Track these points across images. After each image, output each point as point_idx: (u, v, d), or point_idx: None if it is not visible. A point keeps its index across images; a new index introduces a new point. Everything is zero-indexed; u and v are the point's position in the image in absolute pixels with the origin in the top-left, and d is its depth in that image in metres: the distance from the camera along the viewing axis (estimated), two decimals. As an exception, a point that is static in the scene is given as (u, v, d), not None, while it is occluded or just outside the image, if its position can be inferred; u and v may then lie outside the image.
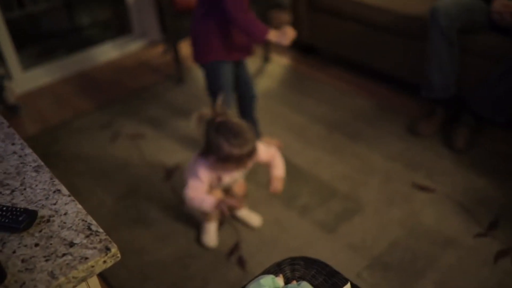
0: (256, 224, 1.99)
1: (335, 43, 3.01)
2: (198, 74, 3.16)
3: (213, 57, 2.06)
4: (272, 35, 1.94)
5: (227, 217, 1.98)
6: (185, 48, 3.47)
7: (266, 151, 1.84)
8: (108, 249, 0.80)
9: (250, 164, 1.73)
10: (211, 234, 1.92)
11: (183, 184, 1.84)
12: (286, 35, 1.95)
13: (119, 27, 3.79)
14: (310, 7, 2.99)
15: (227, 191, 1.96)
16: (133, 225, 2.04)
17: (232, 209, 1.88)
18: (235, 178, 1.84)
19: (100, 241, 0.82)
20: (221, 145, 1.61)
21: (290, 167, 2.28)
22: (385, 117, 2.58)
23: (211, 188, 1.82)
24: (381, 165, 2.25)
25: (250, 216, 2.01)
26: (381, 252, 1.82)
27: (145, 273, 1.82)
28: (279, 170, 1.87)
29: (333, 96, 2.80)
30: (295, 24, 3.14)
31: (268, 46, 3.19)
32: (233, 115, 1.79)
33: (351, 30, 2.83)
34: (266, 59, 3.24)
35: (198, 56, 2.11)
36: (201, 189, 1.74)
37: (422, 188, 2.10)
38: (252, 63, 3.17)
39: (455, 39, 2.21)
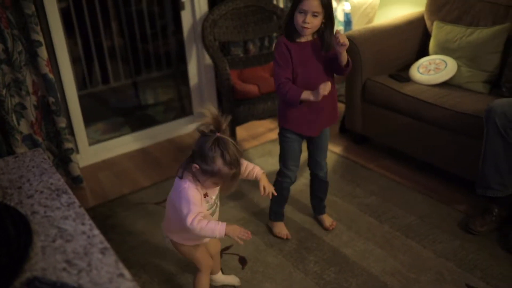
0: (237, 282, 2.14)
1: (387, 135, 3.05)
2: (254, 157, 3.25)
3: (283, 125, 2.25)
4: (306, 94, 2.03)
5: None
6: (242, 132, 3.61)
7: None
8: None
9: (231, 187, 1.70)
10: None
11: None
12: (319, 90, 1.99)
13: (181, 108, 4.01)
14: (363, 99, 3.08)
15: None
16: (180, 305, 2.06)
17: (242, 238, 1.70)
18: (215, 203, 1.82)
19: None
20: (215, 159, 1.60)
21: (338, 257, 2.27)
22: (438, 212, 2.54)
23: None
24: (433, 263, 2.20)
25: (228, 278, 2.16)
26: None
27: None
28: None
29: (384, 188, 2.81)
30: (348, 114, 3.23)
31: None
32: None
33: (404, 124, 2.87)
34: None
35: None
36: (201, 214, 1.65)
37: (477, 291, 2.03)
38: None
39: (511, 138, 2.21)
